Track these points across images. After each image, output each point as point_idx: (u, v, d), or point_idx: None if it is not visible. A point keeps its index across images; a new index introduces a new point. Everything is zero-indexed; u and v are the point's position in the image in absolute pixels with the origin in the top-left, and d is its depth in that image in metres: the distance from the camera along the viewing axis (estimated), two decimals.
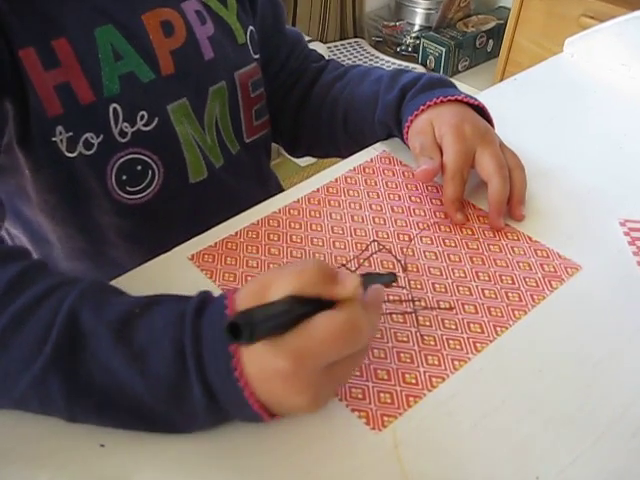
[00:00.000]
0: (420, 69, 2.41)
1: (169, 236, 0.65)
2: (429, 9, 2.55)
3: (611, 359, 0.55)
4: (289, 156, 0.95)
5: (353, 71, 0.86)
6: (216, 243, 0.65)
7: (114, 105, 0.67)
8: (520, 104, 0.88)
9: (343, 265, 0.62)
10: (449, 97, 0.71)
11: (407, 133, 0.72)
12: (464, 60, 2.48)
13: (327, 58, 0.92)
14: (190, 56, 0.72)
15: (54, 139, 0.65)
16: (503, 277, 0.61)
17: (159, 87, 0.70)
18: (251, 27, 0.81)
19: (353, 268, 0.62)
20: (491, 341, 0.56)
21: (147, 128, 0.69)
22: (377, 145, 0.78)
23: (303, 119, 0.88)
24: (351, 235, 0.66)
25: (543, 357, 0.55)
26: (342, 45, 2.55)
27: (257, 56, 0.82)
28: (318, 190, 0.71)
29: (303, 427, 0.49)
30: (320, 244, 0.64)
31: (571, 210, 0.70)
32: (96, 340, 0.45)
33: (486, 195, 0.67)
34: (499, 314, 0.58)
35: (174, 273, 0.62)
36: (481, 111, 0.73)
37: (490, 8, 2.66)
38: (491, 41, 2.52)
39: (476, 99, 0.73)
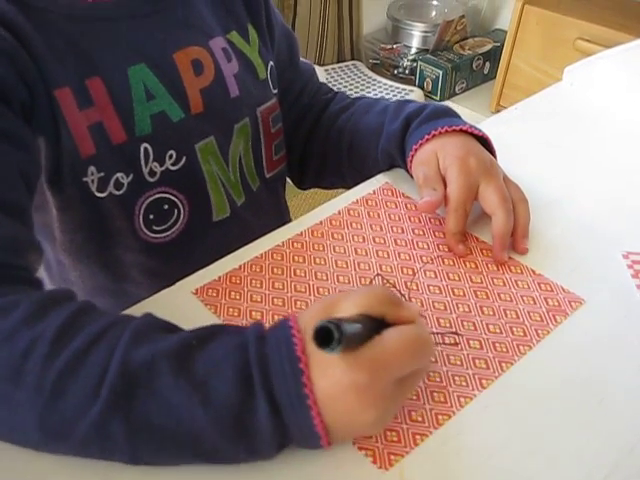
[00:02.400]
0: (417, 91, 2.43)
1: (190, 273, 0.65)
2: (426, 32, 2.56)
3: (616, 395, 0.55)
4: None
5: (359, 102, 0.87)
6: (220, 277, 0.65)
7: (145, 145, 0.67)
8: (522, 134, 0.89)
9: None
10: (454, 127, 0.72)
11: (411, 162, 0.73)
12: (461, 82, 2.49)
13: (335, 90, 0.93)
14: (218, 94, 0.73)
15: (85, 179, 0.65)
16: (507, 311, 0.61)
17: (188, 126, 0.71)
18: (271, 62, 0.82)
19: None
20: (496, 377, 0.56)
21: (175, 167, 0.70)
22: (379, 176, 0.78)
23: (310, 151, 0.89)
24: (355, 269, 0.66)
25: (548, 393, 0.55)
26: (339, 68, 2.56)
27: (276, 91, 0.83)
28: (321, 222, 0.71)
29: (310, 465, 0.49)
30: (324, 278, 0.64)
31: (574, 242, 0.70)
32: (155, 376, 0.44)
33: (489, 228, 0.68)
34: (504, 349, 0.58)
35: (178, 308, 0.62)
36: (485, 142, 0.73)
37: (486, 31, 2.67)
38: (488, 63, 2.53)
39: (481, 130, 0.73)
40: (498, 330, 0.60)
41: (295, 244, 0.69)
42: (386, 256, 0.67)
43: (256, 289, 0.63)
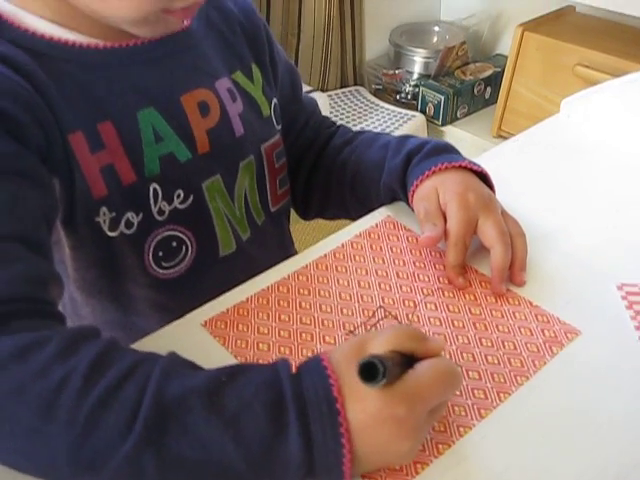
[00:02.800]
0: (419, 116, 2.45)
1: (198, 306, 0.67)
2: (428, 58, 2.59)
3: (611, 423, 0.57)
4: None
5: (362, 136, 0.89)
6: (228, 309, 0.67)
7: (154, 185, 0.70)
8: (520, 167, 0.91)
9: (351, 332, 0.64)
10: (453, 163, 0.74)
11: (412, 197, 0.75)
12: (463, 107, 2.52)
13: (338, 124, 0.96)
14: (223, 134, 0.76)
15: (97, 219, 0.68)
16: (505, 343, 0.64)
17: (195, 166, 0.73)
18: (275, 100, 0.84)
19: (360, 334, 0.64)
20: (494, 407, 0.58)
21: (183, 206, 0.73)
22: (382, 210, 0.81)
23: (314, 183, 0.92)
24: (358, 301, 0.68)
25: (545, 423, 0.57)
26: (343, 93, 2.59)
27: (279, 127, 0.85)
28: (325, 256, 0.74)
29: None
30: (328, 310, 0.67)
31: (570, 274, 0.72)
32: (186, 412, 0.46)
33: (488, 260, 0.70)
34: (502, 380, 0.60)
35: (188, 340, 0.64)
36: (484, 177, 0.76)
37: (487, 56, 2.70)
38: (489, 88, 2.56)
39: (479, 166, 0.76)
40: (496, 361, 0.62)
41: (300, 277, 0.71)
42: (388, 289, 0.70)
43: (263, 321, 0.66)
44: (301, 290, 0.69)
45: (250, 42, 0.82)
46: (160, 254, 0.73)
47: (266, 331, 0.65)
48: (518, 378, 0.60)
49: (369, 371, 0.45)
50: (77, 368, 0.47)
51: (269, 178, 0.84)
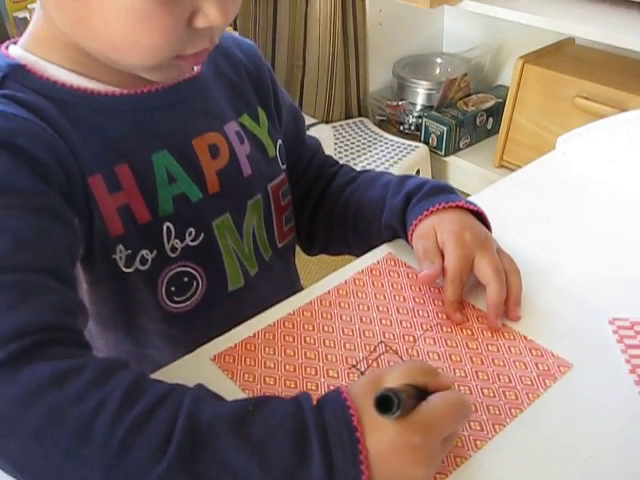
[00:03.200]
0: (423, 147, 2.49)
1: (208, 340, 0.71)
2: (430, 89, 2.64)
3: (601, 454, 0.60)
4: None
5: (363, 176, 0.93)
6: (236, 344, 0.70)
7: (167, 224, 0.74)
8: (517, 203, 0.95)
9: (353, 366, 0.68)
10: (450, 203, 0.78)
11: (411, 236, 0.79)
12: (465, 138, 2.56)
13: (340, 163, 0.99)
14: (232, 175, 0.79)
15: (114, 256, 0.71)
16: (501, 376, 0.67)
17: (206, 205, 0.77)
18: (280, 141, 0.88)
19: (362, 369, 0.67)
20: (490, 438, 0.61)
21: (194, 243, 0.76)
22: (383, 247, 0.84)
23: (318, 221, 0.95)
24: (360, 337, 0.71)
25: (537, 453, 0.60)
26: (347, 124, 2.63)
27: (284, 166, 0.89)
28: (329, 292, 0.77)
29: None
30: (332, 345, 0.70)
31: (564, 309, 0.75)
32: (216, 437, 0.49)
33: (485, 296, 0.73)
34: (497, 412, 0.63)
35: (198, 373, 0.67)
36: (480, 216, 0.79)
37: (489, 87, 2.75)
38: (491, 119, 2.60)
39: (476, 205, 0.79)
40: (492, 394, 0.65)
41: (305, 313, 0.74)
42: (389, 324, 0.73)
43: (269, 356, 0.69)
44: (306, 326, 0.73)
45: (256, 87, 0.86)
46: (172, 289, 0.76)
47: (272, 365, 0.68)
48: (512, 410, 0.63)
49: (385, 403, 0.49)
50: (112, 394, 0.50)
51: (276, 215, 0.87)
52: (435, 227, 0.76)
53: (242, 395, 0.64)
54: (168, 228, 0.74)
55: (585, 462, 0.59)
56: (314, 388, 0.65)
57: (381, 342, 0.70)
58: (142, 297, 0.75)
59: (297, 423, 0.51)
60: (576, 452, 0.60)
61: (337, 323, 0.73)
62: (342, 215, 0.90)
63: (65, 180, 0.65)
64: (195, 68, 0.78)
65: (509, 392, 0.65)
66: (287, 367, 0.68)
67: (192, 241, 0.76)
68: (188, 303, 0.78)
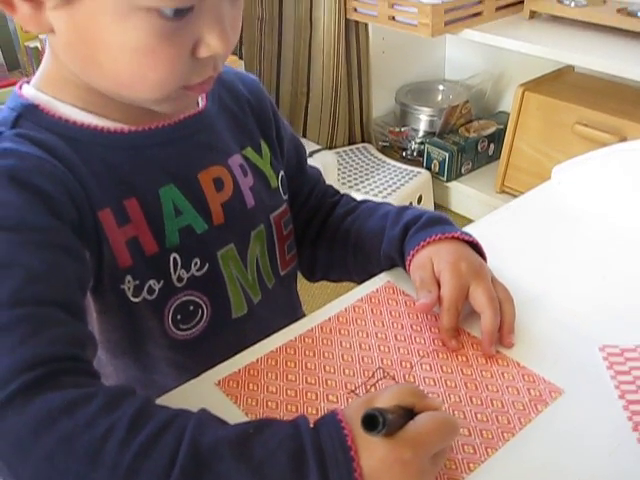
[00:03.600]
0: (425, 173, 2.53)
1: (213, 365, 0.74)
2: (432, 116, 2.68)
3: (590, 477, 0.62)
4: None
5: (363, 206, 0.96)
6: (240, 370, 0.73)
7: (174, 255, 0.76)
8: (512, 233, 0.98)
9: (352, 391, 0.70)
10: (447, 235, 0.81)
11: (409, 266, 0.82)
12: (467, 164, 2.60)
13: (341, 193, 1.02)
14: (236, 206, 0.82)
15: (122, 287, 0.74)
16: (494, 401, 0.69)
17: (211, 236, 0.80)
18: (282, 172, 0.91)
19: (361, 394, 0.70)
20: (482, 461, 0.63)
21: (199, 273, 0.79)
22: (382, 275, 0.87)
23: (319, 249, 0.98)
24: (359, 363, 0.74)
25: (528, 476, 0.62)
26: (350, 150, 2.67)
27: (286, 197, 0.92)
28: (330, 319, 0.80)
29: None
30: (332, 371, 0.73)
31: (556, 336, 0.78)
32: (218, 460, 0.53)
33: (479, 324, 0.76)
34: (490, 436, 0.66)
35: (202, 397, 0.70)
36: (475, 246, 0.82)
37: (491, 113, 2.79)
38: (492, 145, 2.64)
39: (471, 236, 0.83)
40: (485, 419, 0.67)
41: (306, 339, 0.77)
42: (387, 350, 0.76)
43: (272, 381, 0.72)
44: (307, 352, 0.76)
45: (258, 120, 0.90)
46: (178, 317, 0.79)
47: (274, 390, 0.71)
48: (505, 434, 0.66)
49: (371, 422, 0.52)
50: (120, 420, 0.53)
51: (278, 244, 0.90)
52: (432, 257, 0.79)
53: (245, 419, 0.67)
54: (175, 259, 0.77)
55: None
56: (314, 412, 0.68)
57: (379, 368, 0.73)
58: (149, 325, 0.78)
59: (295, 445, 0.54)
60: (565, 475, 0.63)
61: (337, 349, 0.76)
62: (343, 244, 0.93)
63: (76, 215, 0.68)
64: (200, 103, 0.82)
65: (502, 417, 0.68)
66: (289, 392, 0.70)
67: (197, 271, 0.79)
68: (193, 330, 0.81)
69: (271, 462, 0.53)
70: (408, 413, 0.58)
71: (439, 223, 0.84)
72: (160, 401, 0.68)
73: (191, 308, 0.80)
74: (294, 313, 0.95)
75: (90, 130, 0.73)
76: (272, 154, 0.90)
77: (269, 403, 0.69)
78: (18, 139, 0.68)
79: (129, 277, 0.74)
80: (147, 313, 0.77)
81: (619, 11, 2.14)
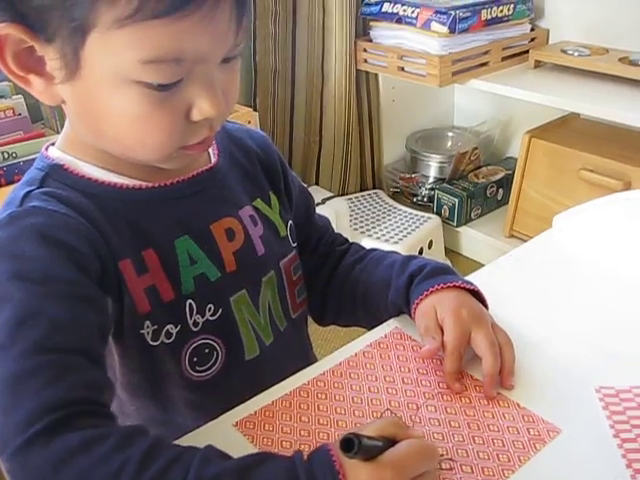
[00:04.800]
0: (435, 218, 2.58)
1: (228, 405, 0.79)
2: (442, 162, 2.74)
3: None
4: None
5: (370, 255, 1.01)
6: (256, 411, 0.78)
7: (189, 301, 0.82)
8: (513, 281, 1.03)
9: None
10: (449, 284, 0.86)
11: (414, 313, 0.87)
12: (476, 209, 2.65)
13: (350, 241, 1.08)
14: (247, 255, 0.88)
15: (142, 331, 0.79)
16: (495, 441, 0.74)
17: (224, 283, 0.85)
18: (290, 221, 0.97)
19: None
20: None
21: (213, 318, 0.84)
22: (390, 321, 0.92)
23: (328, 297, 1.03)
24: (368, 404, 0.79)
25: None
26: (362, 196, 2.73)
27: (295, 244, 0.97)
28: (340, 364, 0.85)
29: None
30: (342, 412, 0.78)
31: (554, 378, 0.82)
32: None
33: (481, 367, 0.81)
34: (491, 474, 0.70)
35: (222, 438, 0.74)
36: (476, 294, 0.88)
37: (499, 159, 2.85)
38: (501, 190, 2.69)
39: (472, 284, 0.88)
40: (486, 457, 0.72)
41: (319, 383, 0.82)
42: (394, 393, 0.80)
43: (286, 422, 0.77)
44: (319, 395, 0.80)
45: (267, 173, 0.96)
46: (195, 360, 0.84)
47: (289, 430, 0.75)
48: (505, 472, 0.70)
49: (348, 445, 0.58)
50: (133, 457, 0.59)
51: (288, 289, 0.95)
52: (435, 305, 0.85)
53: None
54: (190, 305, 0.82)
55: None
56: None
57: (387, 409, 0.78)
58: (167, 367, 0.83)
59: (290, 474, 0.60)
60: None
61: (347, 392, 0.81)
62: (351, 293, 0.99)
63: (99, 266, 0.74)
64: (212, 160, 0.88)
65: (502, 455, 0.72)
66: (302, 432, 0.75)
67: (211, 316, 0.84)
68: (209, 372, 0.86)
69: None
70: (390, 442, 0.64)
71: (442, 273, 0.89)
72: (181, 441, 0.73)
73: (206, 351, 0.85)
74: (305, 354, 1.00)
75: (110, 187, 0.79)
76: (281, 205, 0.96)
77: (284, 443, 0.74)
78: (45, 197, 0.75)
79: (148, 322, 0.79)
80: (165, 356, 0.82)
81: (621, 60, 2.22)
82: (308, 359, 0.94)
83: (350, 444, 0.58)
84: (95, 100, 0.71)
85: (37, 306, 0.66)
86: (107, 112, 0.72)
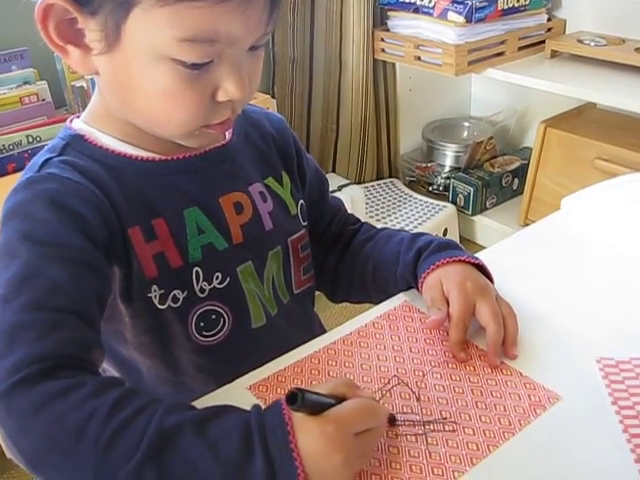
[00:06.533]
0: (451, 207, 2.61)
1: (234, 370, 0.82)
2: (458, 152, 2.76)
3: (582, 476, 0.69)
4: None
5: (381, 234, 1.05)
6: (269, 376, 0.82)
7: (196, 268, 0.86)
8: (519, 259, 1.06)
9: None
10: (454, 258, 0.90)
11: (421, 287, 0.91)
12: (491, 198, 2.67)
13: (362, 221, 1.11)
14: (255, 228, 0.91)
15: (149, 295, 0.83)
16: (497, 406, 0.77)
17: (231, 254, 0.89)
18: (301, 201, 1.01)
19: (377, 398, 0.78)
20: (484, 457, 0.71)
21: (220, 286, 0.88)
22: (399, 295, 0.96)
23: (340, 273, 1.07)
24: (376, 371, 0.82)
25: (525, 471, 0.70)
26: (378, 185, 2.76)
27: (305, 223, 1.01)
28: (351, 333, 0.89)
29: None
30: (352, 378, 0.81)
31: (557, 350, 0.86)
32: (180, 436, 0.62)
33: (485, 337, 0.84)
34: (492, 435, 0.73)
35: (236, 400, 0.77)
36: (481, 268, 0.91)
37: (515, 149, 2.86)
38: (516, 180, 2.71)
39: (477, 258, 0.91)
40: (488, 420, 0.75)
41: (330, 350, 0.86)
42: (402, 361, 0.84)
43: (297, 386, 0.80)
44: (330, 361, 0.84)
45: (281, 154, 1.00)
46: (201, 324, 0.88)
47: None
48: (505, 434, 0.74)
49: (293, 398, 0.63)
50: (104, 404, 0.63)
51: (294, 265, 0.99)
52: (441, 278, 0.88)
53: None
54: (197, 272, 0.86)
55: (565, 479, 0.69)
56: None
57: (394, 376, 0.81)
58: (175, 330, 0.87)
59: (245, 425, 0.64)
60: (559, 471, 0.70)
61: (357, 360, 0.84)
62: (362, 269, 1.02)
63: (107, 234, 0.78)
64: (227, 136, 0.92)
65: (503, 419, 0.75)
66: None
67: (219, 284, 0.88)
68: (216, 337, 0.90)
69: (224, 439, 0.63)
70: (340, 400, 0.68)
71: (448, 248, 0.92)
72: (198, 402, 0.77)
73: (213, 317, 0.89)
74: (310, 327, 1.04)
75: (125, 158, 0.84)
76: (293, 184, 1.00)
77: None
78: (62, 165, 0.79)
79: (155, 286, 0.83)
80: (172, 319, 0.86)
81: (637, 50, 2.23)
82: (313, 333, 0.97)
83: (294, 397, 0.62)
84: (129, 73, 0.76)
85: (40, 266, 0.71)
86: (140, 85, 0.76)
